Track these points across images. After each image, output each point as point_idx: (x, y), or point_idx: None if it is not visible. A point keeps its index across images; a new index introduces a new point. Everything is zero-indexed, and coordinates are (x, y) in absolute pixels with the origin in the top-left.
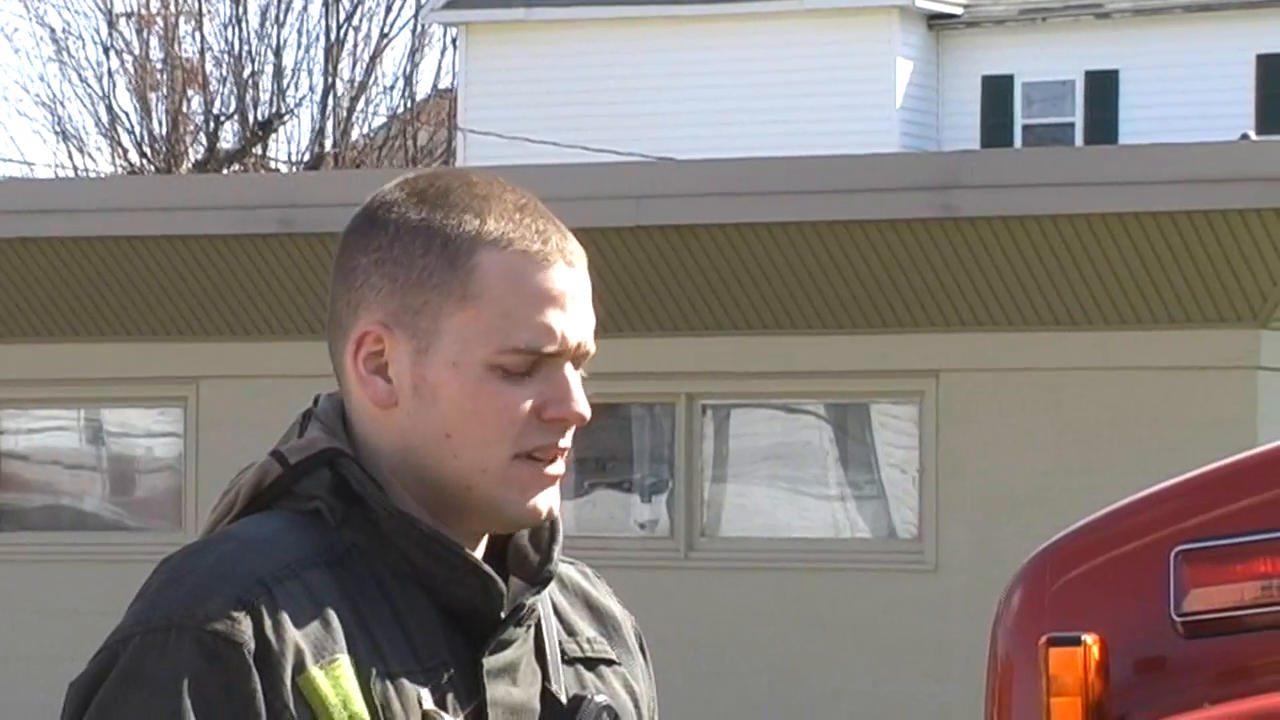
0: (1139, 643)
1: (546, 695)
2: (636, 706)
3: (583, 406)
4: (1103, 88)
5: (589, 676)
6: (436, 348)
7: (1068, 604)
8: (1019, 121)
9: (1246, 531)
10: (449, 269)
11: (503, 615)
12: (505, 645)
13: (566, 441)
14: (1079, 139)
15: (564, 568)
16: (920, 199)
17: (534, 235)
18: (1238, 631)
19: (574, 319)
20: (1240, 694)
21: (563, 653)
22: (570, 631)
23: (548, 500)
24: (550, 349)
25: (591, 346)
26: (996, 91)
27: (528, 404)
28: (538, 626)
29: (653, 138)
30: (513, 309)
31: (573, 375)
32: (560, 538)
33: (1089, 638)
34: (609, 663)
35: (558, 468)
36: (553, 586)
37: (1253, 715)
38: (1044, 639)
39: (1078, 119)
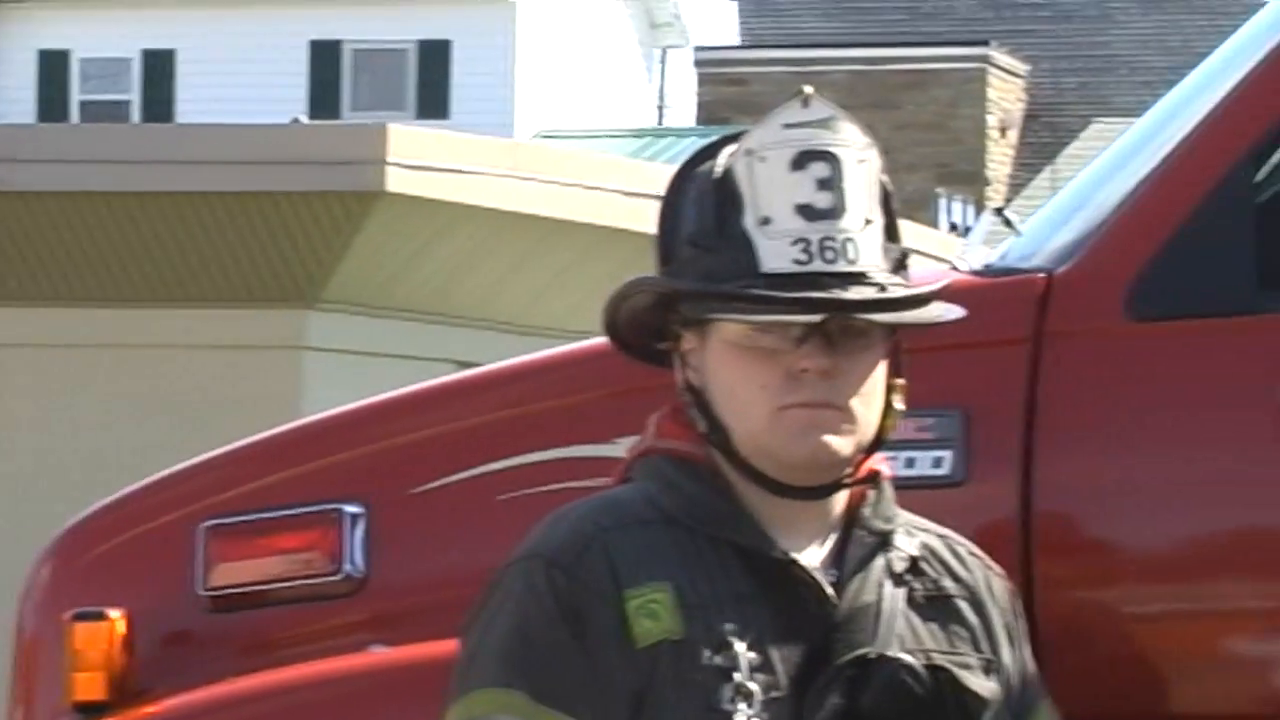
0: (167, 617)
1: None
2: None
3: None
4: (160, 67)
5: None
6: None
7: (95, 580)
8: (76, 97)
9: (271, 506)
10: None
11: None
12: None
13: None
14: (136, 116)
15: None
16: None
17: None
18: (262, 605)
19: None
20: (263, 666)
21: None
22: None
23: None
24: None
25: None
26: (53, 66)
27: None
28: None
29: None
30: None
31: None
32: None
33: (115, 613)
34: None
35: None
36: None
37: (273, 687)
38: (68, 615)
39: (135, 97)
